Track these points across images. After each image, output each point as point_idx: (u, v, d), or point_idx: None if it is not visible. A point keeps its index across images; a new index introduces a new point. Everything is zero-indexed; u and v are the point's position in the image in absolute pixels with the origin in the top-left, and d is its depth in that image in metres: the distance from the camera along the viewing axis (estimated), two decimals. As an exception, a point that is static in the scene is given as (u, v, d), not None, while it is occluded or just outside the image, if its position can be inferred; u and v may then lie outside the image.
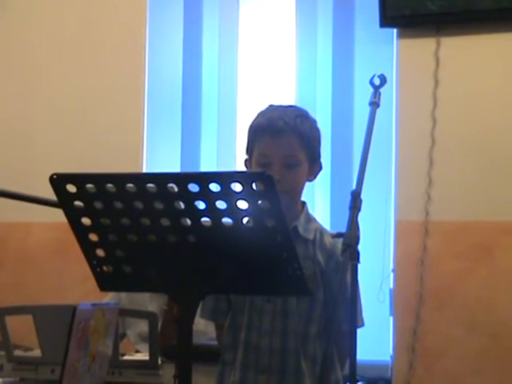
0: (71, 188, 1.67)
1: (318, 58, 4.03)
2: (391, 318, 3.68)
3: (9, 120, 4.21)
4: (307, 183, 2.26)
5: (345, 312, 1.91)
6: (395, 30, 3.76)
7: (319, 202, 3.88)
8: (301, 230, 2.22)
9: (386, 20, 3.69)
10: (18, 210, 3.74)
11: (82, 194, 1.67)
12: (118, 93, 4.08)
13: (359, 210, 1.92)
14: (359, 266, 1.87)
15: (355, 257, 1.86)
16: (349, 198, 1.94)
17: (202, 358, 2.35)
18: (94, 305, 1.74)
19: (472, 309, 3.56)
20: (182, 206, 1.63)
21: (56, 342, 1.92)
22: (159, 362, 2.51)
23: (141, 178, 1.66)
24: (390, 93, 3.61)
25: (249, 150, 2.27)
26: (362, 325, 2.22)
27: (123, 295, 3.14)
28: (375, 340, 3.60)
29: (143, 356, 2.63)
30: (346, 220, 1.91)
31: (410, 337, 3.60)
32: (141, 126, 4.05)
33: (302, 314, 2.21)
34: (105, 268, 1.78)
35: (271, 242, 1.64)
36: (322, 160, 2.29)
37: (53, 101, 4.17)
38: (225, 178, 1.59)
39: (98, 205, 1.68)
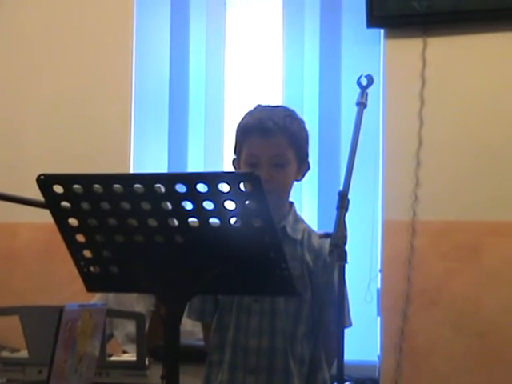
0: (58, 189, 1.66)
1: (306, 58, 4.03)
2: (379, 318, 3.68)
3: (-5, 121, 4.20)
4: (295, 183, 2.26)
5: (332, 312, 1.91)
6: (382, 31, 3.77)
7: (307, 202, 3.89)
8: (289, 230, 2.23)
9: (373, 20, 3.70)
10: (4, 211, 3.73)
11: (69, 194, 1.66)
12: (106, 94, 4.08)
13: (346, 210, 1.92)
14: (347, 266, 1.88)
15: (343, 257, 1.86)
16: (336, 198, 1.94)
17: (190, 358, 2.35)
18: (81, 305, 1.74)
19: (459, 308, 3.57)
20: (170, 206, 1.63)
21: (43, 343, 1.92)
22: (146, 362, 2.51)
23: (128, 179, 1.65)
24: (377, 93, 3.62)
25: (237, 150, 2.27)
26: (350, 325, 2.23)
27: (111, 296, 3.13)
28: (363, 340, 3.61)
29: (130, 357, 2.62)
30: (334, 220, 1.91)
31: (398, 337, 3.61)
32: (128, 126, 4.04)
33: (290, 314, 2.21)
34: (92, 269, 1.77)
35: (259, 242, 1.64)
36: (309, 160, 2.29)
37: (40, 101, 4.16)
38: (212, 178, 1.58)
39: (85, 205, 1.67)
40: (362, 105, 2.11)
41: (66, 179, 1.66)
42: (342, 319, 1.89)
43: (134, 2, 4.08)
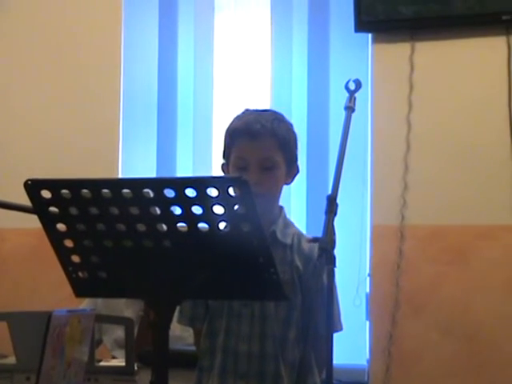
0: (46, 194, 1.66)
1: (294, 62, 4.04)
2: (367, 323, 3.69)
3: (-18, 125, 4.19)
4: (284, 187, 2.26)
5: (322, 316, 1.91)
6: (370, 35, 3.78)
7: (295, 206, 3.89)
8: (279, 234, 2.22)
9: (361, 25, 3.71)
10: (-8, 216, 3.71)
11: (56, 199, 1.66)
12: (94, 98, 4.07)
13: (335, 214, 1.92)
14: (335, 270, 1.88)
15: (331, 261, 1.86)
16: (325, 202, 1.94)
17: (179, 363, 2.33)
18: (69, 311, 1.73)
19: (447, 312, 3.58)
20: (158, 211, 1.62)
21: (31, 349, 1.91)
22: (135, 368, 2.50)
23: (116, 184, 1.65)
24: (365, 97, 3.62)
25: (226, 155, 2.27)
26: (341, 329, 2.23)
27: (99, 301, 3.13)
28: (352, 344, 3.61)
29: (119, 362, 2.61)
30: (322, 224, 1.91)
31: (387, 341, 3.61)
32: (116, 130, 4.04)
33: (281, 318, 2.21)
34: (80, 274, 1.77)
35: (247, 246, 1.64)
36: (298, 163, 2.29)
37: (27, 106, 4.14)
38: (201, 183, 1.58)
39: (74, 210, 1.67)
40: (350, 109, 2.12)
41: (53, 184, 1.66)
42: (330, 323, 1.89)
43: (122, 8, 4.07)
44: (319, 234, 1.90)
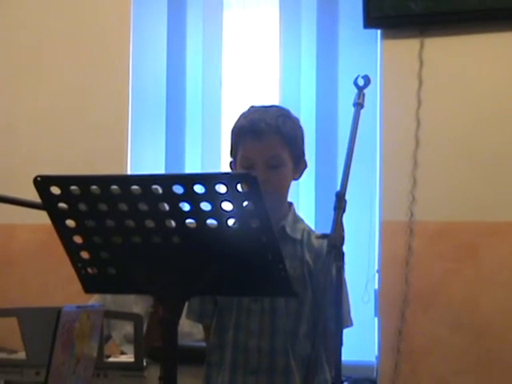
0: (55, 190, 1.66)
1: (302, 59, 4.03)
2: (376, 319, 3.68)
3: (-8, 122, 4.20)
4: (292, 183, 2.26)
5: (332, 312, 1.91)
6: (379, 31, 3.77)
7: (303, 202, 3.89)
8: (288, 229, 2.22)
9: (370, 21, 3.70)
10: (1, 213, 3.73)
11: (66, 195, 1.66)
12: (103, 95, 4.07)
13: (344, 210, 1.92)
14: (345, 266, 1.88)
15: (340, 257, 1.86)
16: (333, 198, 1.94)
17: (188, 359, 2.34)
18: (79, 307, 1.73)
19: (457, 309, 3.57)
20: (167, 207, 1.63)
21: (41, 345, 1.92)
22: (144, 363, 2.51)
23: (125, 180, 1.65)
24: (374, 94, 3.62)
25: (233, 153, 2.27)
26: (351, 324, 2.23)
27: (108, 297, 3.13)
28: (360, 340, 3.60)
29: (128, 358, 2.62)
30: (331, 221, 1.91)
31: (395, 337, 3.61)
32: (125, 127, 4.04)
33: (291, 312, 2.20)
34: (89, 270, 1.77)
35: (256, 243, 1.64)
36: (306, 158, 2.29)
37: (37, 103, 4.15)
38: (209, 179, 1.58)
39: (83, 207, 1.67)
40: (358, 105, 2.11)
41: (63, 180, 1.66)
42: (339, 319, 1.89)
43: (130, 5, 4.08)
44: (328, 231, 1.90)
